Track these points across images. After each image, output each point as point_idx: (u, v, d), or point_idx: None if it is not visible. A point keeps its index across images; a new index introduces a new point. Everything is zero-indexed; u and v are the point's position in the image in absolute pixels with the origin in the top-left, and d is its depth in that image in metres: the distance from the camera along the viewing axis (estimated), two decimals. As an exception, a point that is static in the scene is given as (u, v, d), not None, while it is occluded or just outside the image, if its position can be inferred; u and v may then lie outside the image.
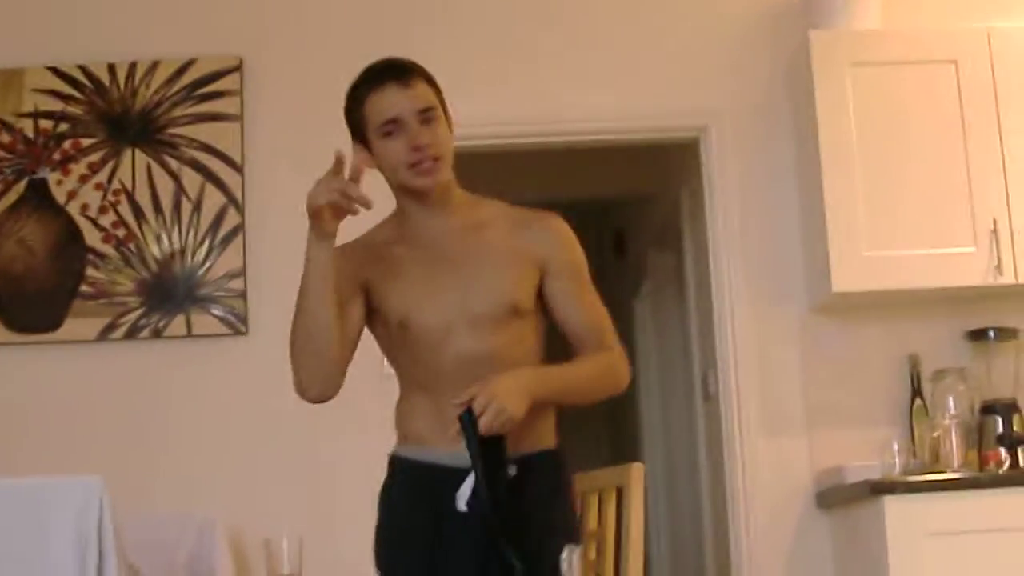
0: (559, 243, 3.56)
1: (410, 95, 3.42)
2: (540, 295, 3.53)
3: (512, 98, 5.81)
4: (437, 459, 3.43)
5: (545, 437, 3.52)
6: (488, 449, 3.27)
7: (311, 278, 3.40)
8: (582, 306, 3.55)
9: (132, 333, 5.57)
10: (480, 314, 3.42)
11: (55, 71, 5.72)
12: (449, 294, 3.45)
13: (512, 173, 6.79)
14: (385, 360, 5.58)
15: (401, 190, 3.51)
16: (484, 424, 3.22)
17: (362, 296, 3.51)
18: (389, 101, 3.42)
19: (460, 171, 3.55)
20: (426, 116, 3.41)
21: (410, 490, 3.51)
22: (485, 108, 5.76)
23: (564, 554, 3.26)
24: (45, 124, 5.70)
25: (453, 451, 3.31)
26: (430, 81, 3.49)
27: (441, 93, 3.51)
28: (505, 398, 3.23)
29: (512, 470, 3.36)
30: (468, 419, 3.24)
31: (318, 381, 3.53)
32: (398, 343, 3.54)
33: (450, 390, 3.35)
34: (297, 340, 3.53)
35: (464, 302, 3.43)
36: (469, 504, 3.34)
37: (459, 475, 3.35)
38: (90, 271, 5.59)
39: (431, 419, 3.47)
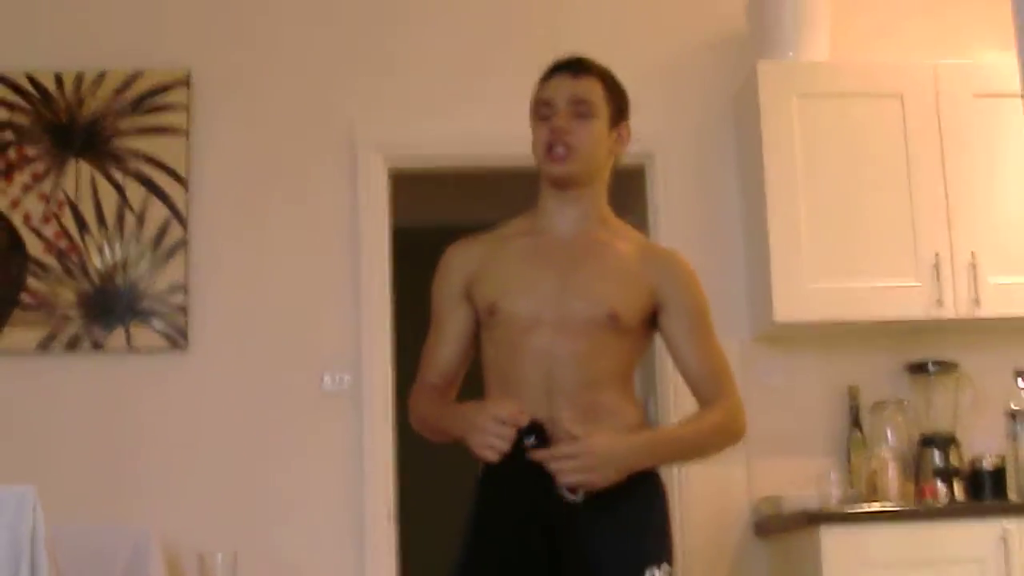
0: (682, 281, 3.53)
1: (570, 84, 3.49)
2: (646, 328, 3.51)
3: (454, 122, 5.80)
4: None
5: None
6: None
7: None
8: (701, 351, 3.52)
9: (72, 345, 5.53)
10: (572, 315, 3.39)
11: (1, 79, 5.68)
12: (545, 285, 3.44)
13: (450, 196, 6.80)
14: (323, 378, 5.59)
15: (542, 179, 3.54)
16: (561, 475, 3.23)
17: (467, 303, 3.55)
18: (551, 86, 3.52)
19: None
20: (579, 109, 3.47)
21: (491, 482, 3.42)
22: (428, 130, 5.78)
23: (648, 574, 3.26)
24: (-11, 132, 5.67)
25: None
26: (608, 87, 3.54)
27: (621, 103, 3.57)
28: (598, 463, 3.24)
29: (579, 496, 3.29)
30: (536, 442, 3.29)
31: None
32: (486, 334, 3.51)
33: (524, 390, 3.35)
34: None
35: (559, 298, 3.41)
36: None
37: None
38: (31, 281, 5.55)
39: None
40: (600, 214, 3.57)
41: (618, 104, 3.57)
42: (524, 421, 3.25)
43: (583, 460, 3.22)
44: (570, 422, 3.32)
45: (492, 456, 3.24)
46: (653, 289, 3.48)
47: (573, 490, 3.26)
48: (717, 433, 3.52)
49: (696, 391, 3.56)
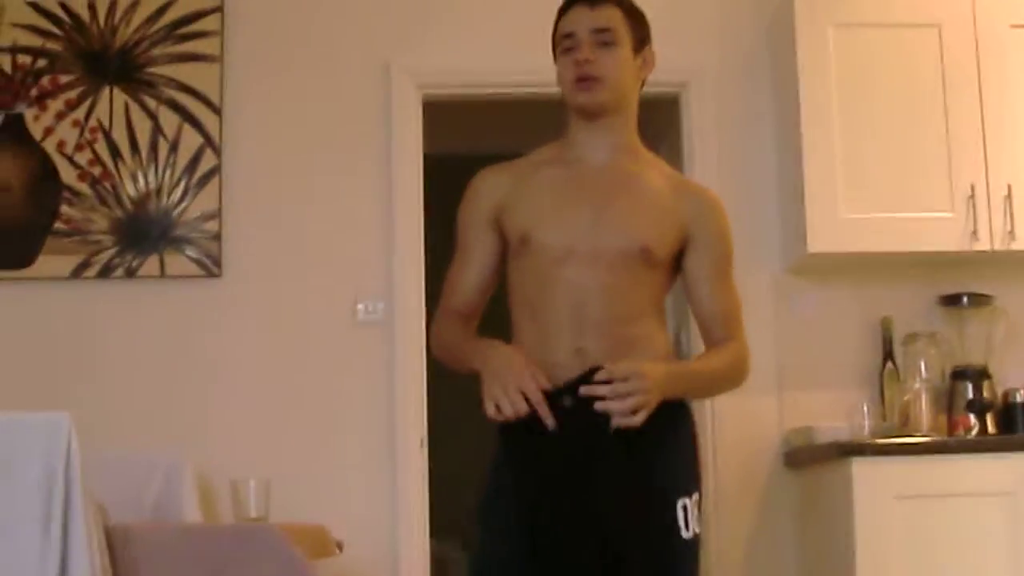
0: (713, 222, 3.54)
1: (591, 14, 3.47)
2: (675, 263, 3.51)
3: (487, 51, 5.79)
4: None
5: None
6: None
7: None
8: (720, 292, 3.53)
9: (105, 272, 5.55)
10: (604, 247, 3.39)
11: (35, 6, 5.67)
12: (578, 217, 3.42)
13: (481, 125, 6.76)
14: (356, 305, 5.60)
15: (571, 110, 3.54)
16: (618, 408, 3.18)
17: (494, 230, 3.54)
18: (570, 18, 3.50)
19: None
20: (602, 37, 3.46)
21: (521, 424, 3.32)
22: (461, 57, 5.76)
23: (679, 505, 3.30)
24: (23, 59, 5.65)
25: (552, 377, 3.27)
26: (627, 12, 3.53)
27: (642, 27, 3.55)
28: (651, 384, 3.21)
29: (636, 418, 3.22)
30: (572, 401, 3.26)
31: None
32: (515, 264, 3.50)
33: (554, 321, 3.35)
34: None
35: (592, 230, 3.40)
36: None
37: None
38: (65, 208, 5.56)
39: (534, 348, 3.36)
40: (630, 144, 3.57)
41: (639, 29, 3.55)
42: (541, 393, 3.22)
43: (637, 383, 3.18)
44: (604, 358, 3.28)
45: (496, 415, 3.22)
46: (684, 225, 3.48)
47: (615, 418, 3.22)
48: (728, 372, 3.53)
49: (707, 331, 3.56)
